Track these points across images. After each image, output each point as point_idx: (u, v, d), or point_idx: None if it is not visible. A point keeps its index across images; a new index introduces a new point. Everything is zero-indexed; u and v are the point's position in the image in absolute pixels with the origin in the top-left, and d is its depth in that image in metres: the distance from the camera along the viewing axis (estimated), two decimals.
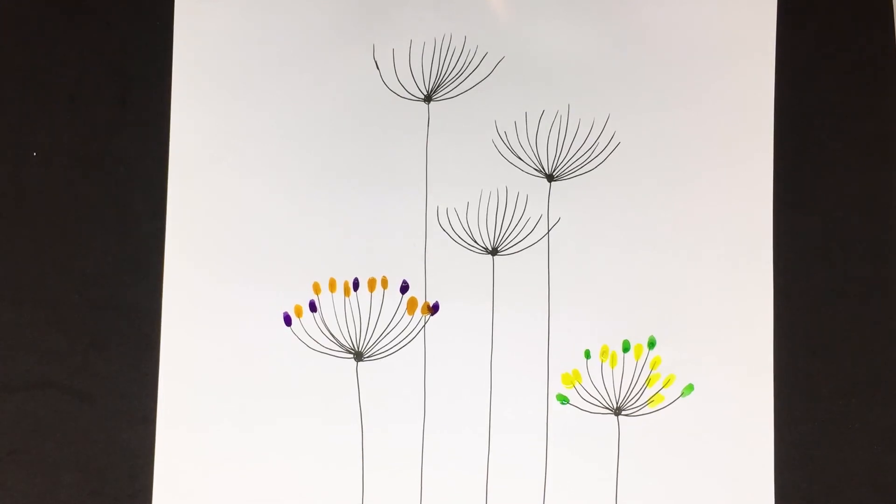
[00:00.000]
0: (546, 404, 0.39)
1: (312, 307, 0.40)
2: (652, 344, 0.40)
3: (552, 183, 0.40)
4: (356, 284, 0.40)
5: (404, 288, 0.40)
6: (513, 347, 0.40)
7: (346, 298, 0.40)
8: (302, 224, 0.40)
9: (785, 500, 0.38)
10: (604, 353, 0.40)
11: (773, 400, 0.39)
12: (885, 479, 0.38)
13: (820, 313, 0.39)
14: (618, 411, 0.39)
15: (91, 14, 0.42)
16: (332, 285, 0.40)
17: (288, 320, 0.40)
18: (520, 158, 0.40)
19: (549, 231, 0.40)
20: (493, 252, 0.40)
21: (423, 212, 0.40)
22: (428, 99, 0.41)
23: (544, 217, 0.40)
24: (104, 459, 0.40)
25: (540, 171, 0.40)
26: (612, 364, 0.40)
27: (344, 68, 0.41)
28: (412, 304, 0.40)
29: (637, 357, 0.40)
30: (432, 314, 0.40)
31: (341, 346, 0.40)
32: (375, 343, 0.40)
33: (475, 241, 0.40)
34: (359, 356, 0.40)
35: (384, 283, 0.40)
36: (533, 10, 0.41)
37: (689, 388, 0.39)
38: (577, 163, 0.40)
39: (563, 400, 0.39)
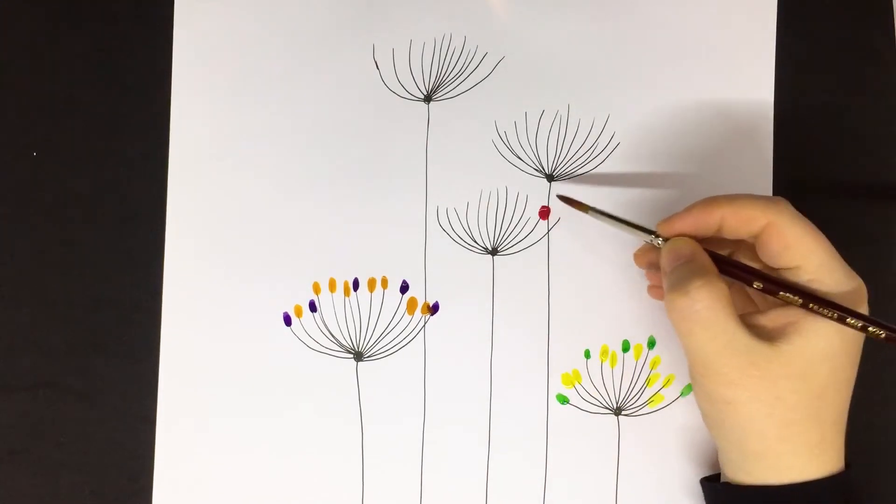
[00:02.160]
0: (546, 404, 0.39)
1: (312, 307, 0.40)
2: (652, 344, 0.40)
3: (552, 183, 0.40)
4: (356, 284, 0.40)
5: (404, 288, 0.40)
6: (513, 347, 0.40)
7: (346, 298, 0.40)
8: (302, 224, 0.40)
9: None
10: (604, 352, 0.40)
11: None
12: None
13: None
14: (618, 411, 0.39)
15: (91, 14, 0.42)
16: (332, 285, 0.40)
17: (288, 320, 0.40)
18: (520, 158, 0.40)
19: (548, 231, 0.40)
20: (493, 252, 0.40)
21: (423, 212, 0.40)
22: (428, 99, 0.41)
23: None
24: (104, 459, 0.40)
25: (540, 171, 0.40)
26: (612, 364, 0.40)
27: (344, 68, 0.41)
28: (412, 304, 0.40)
29: (637, 357, 0.40)
30: (432, 314, 0.40)
31: (341, 346, 0.40)
32: (375, 343, 0.40)
33: (475, 241, 0.40)
34: (359, 356, 0.40)
35: (384, 283, 0.40)
36: (533, 10, 0.41)
37: (689, 388, 0.39)
38: (576, 163, 0.40)
39: (563, 400, 0.39)
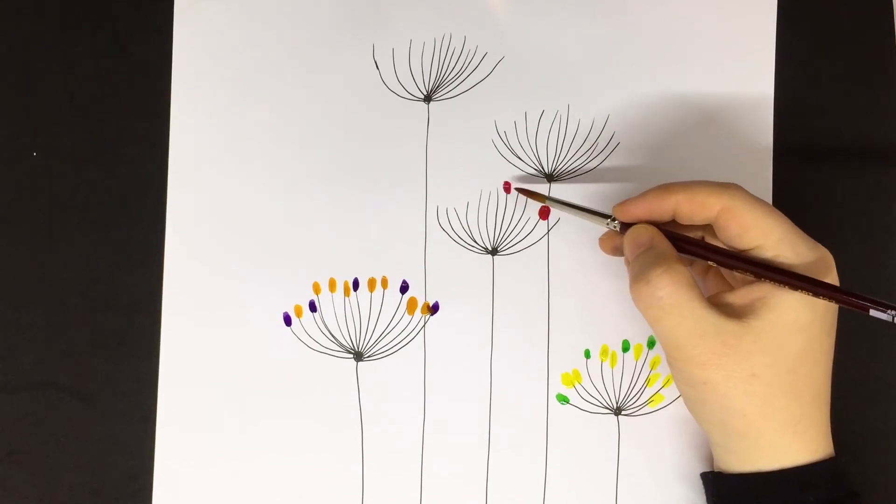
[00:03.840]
0: (546, 404, 0.39)
1: (312, 307, 0.40)
2: (651, 344, 0.40)
3: (552, 183, 0.40)
4: (356, 284, 0.40)
5: (404, 288, 0.40)
6: (513, 347, 0.40)
7: (346, 298, 0.40)
8: (302, 224, 0.40)
9: None
10: (604, 352, 0.40)
11: None
12: None
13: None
14: (618, 411, 0.39)
15: (91, 14, 0.42)
16: (332, 285, 0.40)
17: (288, 320, 0.40)
18: (519, 158, 0.40)
19: (548, 231, 0.40)
20: (493, 252, 0.40)
21: (423, 212, 0.40)
22: (428, 99, 0.41)
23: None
24: (104, 459, 0.40)
25: (540, 171, 0.40)
26: (612, 364, 0.40)
27: (344, 68, 0.41)
28: (412, 304, 0.40)
29: (637, 357, 0.40)
30: (432, 314, 0.40)
31: (341, 346, 0.40)
32: (375, 343, 0.40)
33: (475, 241, 0.40)
34: (359, 356, 0.40)
35: (384, 283, 0.40)
36: (533, 10, 0.41)
37: None
38: (576, 163, 0.40)
39: (563, 400, 0.39)
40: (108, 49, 0.42)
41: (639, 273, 0.32)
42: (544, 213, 0.40)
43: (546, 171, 0.40)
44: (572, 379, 0.39)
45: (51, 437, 0.40)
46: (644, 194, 0.35)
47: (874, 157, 0.40)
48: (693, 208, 0.33)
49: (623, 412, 0.39)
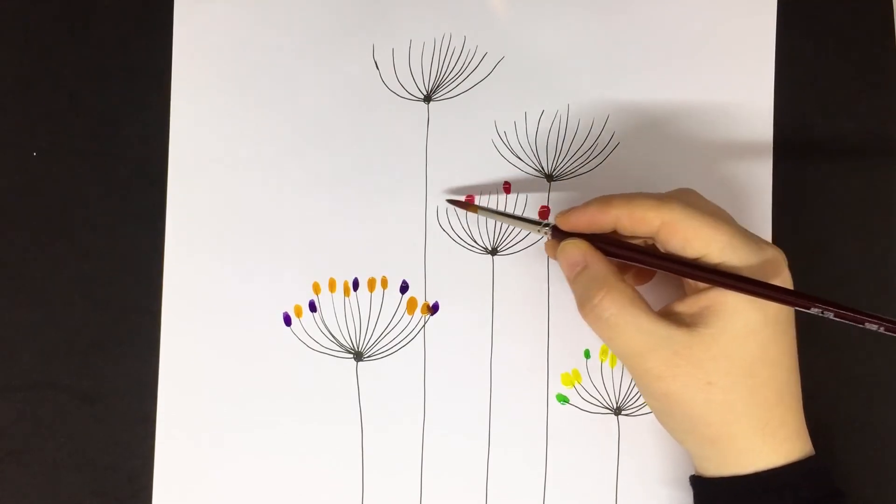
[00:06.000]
0: (546, 404, 0.39)
1: (312, 307, 0.40)
2: None
3: (552, 183, 0.40)
4: (356, 284, 0.40)
5: (404, 288, 0.40)
6: (513, 347, 0.40)
7: (346, 298, 0.40)
8: (302, 224, 0.40)
9: None
10: (604, 352, 0.40)
11: None
12: None
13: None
14: (618, 411, 0.39)
15: (90, 14, 0.42)
16: (332, 285, 0.40)
17: (288, 320, 0.40)
18: (519, 158, 0.40)
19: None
20: (493, 252, 0.40)
21: (423, 212, 0.40)
22: (428, 99, 0.41)
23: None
24: (104, 459, 0.40)
25: (539, 172, 0.40)
26: (612, 364, 0.40)
27: (344, 68, 0.41)
28: (412, 304, 0.40)
29: None
30: (432, 314, 0.40)
31: (341, 346, 0.40)
32: (375, 343, 0.40)
33: (475, 241, 0.40)
34: (359, 356, 0.40)
35: (384, 283, 0.40)
36: (533, 10, 0.41)
37: None
38: (576, 163, 0.40)
39: (563, 400, 0.39)
40: (108, 49, 0.42)
41: (583, 297, 0.33)
42: (544, 214, 0.40)
43: (546, 171, 0.40)
44: (572, 379, 0.39)
45: (51, 437, 0.40)
46: (586, 205, 0.34)
47: (874, 157, 0.40)
48: (633, 223, 0.33)
49: (623, 412, 0.39)
